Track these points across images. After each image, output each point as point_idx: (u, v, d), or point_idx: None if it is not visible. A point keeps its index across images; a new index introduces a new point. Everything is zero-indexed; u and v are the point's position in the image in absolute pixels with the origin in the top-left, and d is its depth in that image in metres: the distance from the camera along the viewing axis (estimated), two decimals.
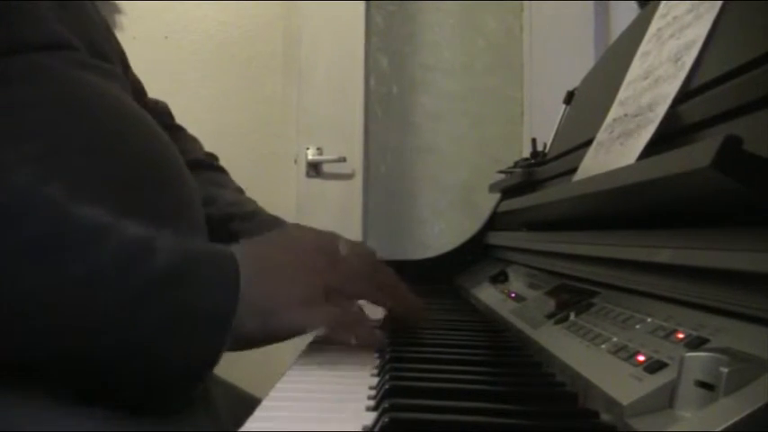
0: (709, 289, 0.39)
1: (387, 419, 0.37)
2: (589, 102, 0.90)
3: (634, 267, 0.51)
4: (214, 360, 0.48)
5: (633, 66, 0.65)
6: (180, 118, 0.96)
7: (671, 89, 0.53)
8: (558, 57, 1.85)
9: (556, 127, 1.06)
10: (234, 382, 0.79)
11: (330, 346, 0.59)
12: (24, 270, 0.44)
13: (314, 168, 1.90)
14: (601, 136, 0.65)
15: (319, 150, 1.89)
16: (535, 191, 0.92)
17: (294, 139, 1.92)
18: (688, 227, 0.43)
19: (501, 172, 1.17)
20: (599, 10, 1.88)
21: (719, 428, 0.27)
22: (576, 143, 0.81)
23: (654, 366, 0.37)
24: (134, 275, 0.46)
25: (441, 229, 2.00)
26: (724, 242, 0.38)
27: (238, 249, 0.53)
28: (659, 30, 0.62)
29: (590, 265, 0.61)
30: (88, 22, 0.69)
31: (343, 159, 1.87)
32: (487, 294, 0.88)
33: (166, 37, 1.98)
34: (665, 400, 0.34)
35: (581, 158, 0.68)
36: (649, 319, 0.44)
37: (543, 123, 1.33)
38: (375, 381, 0.48)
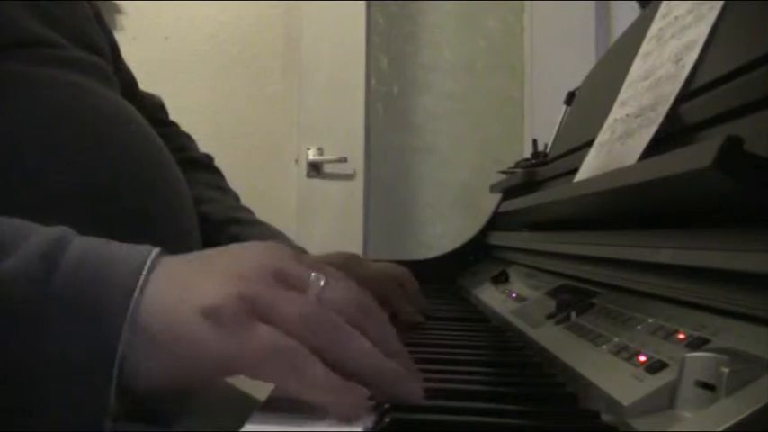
0: (710, 289, 0.39)
1: (387, 420, 0.37)
2: (590, 102, 0.90)
3: (635, 267, 0.51)
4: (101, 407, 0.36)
5: (634, 66, 0.65)
6: (180, 118, 0.96)
7: (672, 89, 0.53)
8: (559, 57, 1.85)
9: (557, 127, 1.06)
10: (233, 382, 0.79)
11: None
12: None
13: (315, 168, 1.90)
14: (602, 136, 0.65)
15: (320, 151, 1.89)
16: (536, 191, 0.92)
17: (295, 139, 1.93)
18: (689, 227, 0.43)
19: (502, 172, 1.17)
20: (600, 10, 1.88)
21: (720, 429, 0.27)
22: (577, 144, 0.81)
23: (655, 366, 0.37)
24: None
25: (441, 229, 2.00)
26: (725, 242, 0.38)
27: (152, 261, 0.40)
28: (660, 30, 0.62)
29: (591, 265, 0.61)
30: (72, 12, 0.65)
31: (344, 160, 1.88)
32: (488, 295, 0.88)
33: (166, 37, 1.98)
34: (666, 400, 0.34)
35: (582, 159, 0.68)
36: (650, 320, 0.44)
37: (544, 124, 1.33)
38: None
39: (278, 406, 0.43)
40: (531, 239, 0.90)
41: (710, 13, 0.53)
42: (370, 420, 0.38)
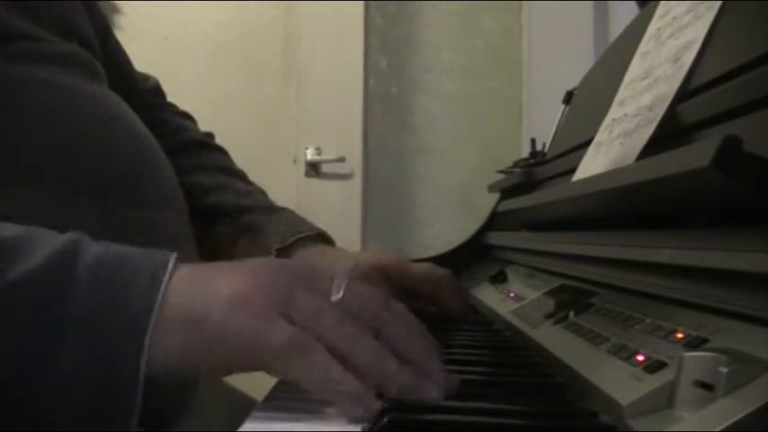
0: (708, 289, 0.39)
1: (387, 419, 0.37)
2: (588, 102, 0.90)
3: (633, 267, 0.51)
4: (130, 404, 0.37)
5: (632, 66, 0.65)
6: None
7: (670, 89, 0.53)
8: (558, 57, 1.86)
9: (555, 127, 1.06)
10: (232, 382, 0.79)
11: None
12: None
13: (313, 168, 1.90)
14: (600, 136, 0.65)
15: (318, 150, 1.89)
16: (534, 191, 0.92)
17: (293, 138, 1.92)
18: (687, 227, 0.43)
19: (500, 172, 1.16)
20: (598, 10, 1.88)
21: (719, 428, 0.27)
22: (575, 143, 0.81)
23: (653, 366, 0.37)
24: None
25: (440, 229, 2.00)
26: (723, 242, 0.38)
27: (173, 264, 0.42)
28: (658, 30, 0.62)
29: (589, 264, 0.61)
30: (53, 1, 0.61)
31: (343, 159, 1.87)
32: (487, 294, 0.88)
33: (166, 37, 1.97)
34: (665, 400, 0.34)
35: (580, 158, 0.68)
36: (649, 319, 0.44)
37: (542, 123, 1.33)
38: None
39: (277, 406, 0.43)
40: (529, 239, 0.90)
41: (709, 12, 0.53)
42: (368, 420, 0.38)
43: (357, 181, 1.90)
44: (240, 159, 0.93)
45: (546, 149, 1.06)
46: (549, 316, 0.59)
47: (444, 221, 2.00)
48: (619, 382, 0.38)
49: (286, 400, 0.44)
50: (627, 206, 0.55)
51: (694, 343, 0.37)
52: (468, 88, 2.03)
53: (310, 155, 1.89)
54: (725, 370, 0.30)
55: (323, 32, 1.91)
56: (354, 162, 1.90)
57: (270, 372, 0.42)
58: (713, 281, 0.39)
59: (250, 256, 0.70)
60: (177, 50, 1.98)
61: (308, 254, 0.75)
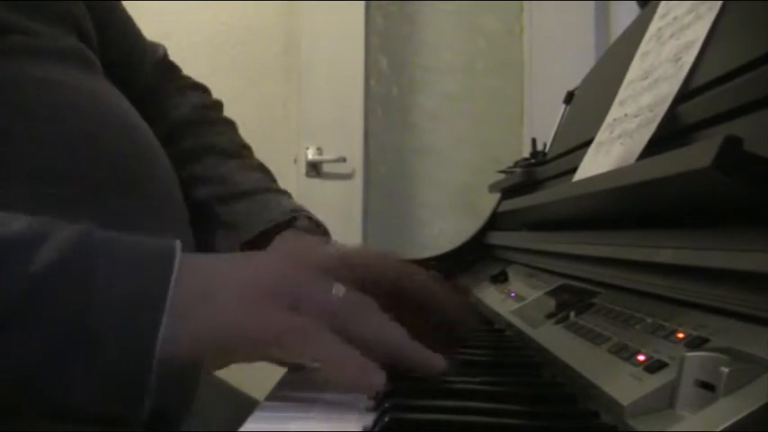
0: (709, 289, 0.39)
1: (387, 419, 0.37)
2: (589, 102, 0.90)
3: (634, 267, 0.51)
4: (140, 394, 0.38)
5: (633, 66, 0.65)
6: None
7: (671, 89, 0.53)
8: (558, 57, 1.86)
9: (556, 127, 1.06)
10: (232, 382, 0.79)
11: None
12: None
13: (314, 168, 1.90)
14: (601, 136, 0.65)
15: (319, 150, 1.89)
16: (535, 191, 0.92)
17: (294, 138, 1.93)
18: (688, 227, 0.43)
19: (501, 172, 1.16)
20: (599, 10, 1.88)
21: (720, 428, 0.27)
22: (576, 143, 0.81)
23: (654, 366, 0.37)
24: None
25: (441, 229, 2.00)
26: (724, 242, 0.38)
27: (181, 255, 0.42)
28: (659, 30, 0.62)
29: (590, 264, 0.61)
30: None
31: (343, 159, 1.88)
32: (488, 294, 0.88)
33: (166, 37, 1.97)
34: (666, 400, 0.34)
35: (581, 158, 0.68)
36: (649, 319, 0.44)
37: (543, 123, 1.33)
38: None
39: (278, 406, 0.43)
40: (530, 239, 0.90)
41: (709, 12, 0.53)
42: (369, 420, 0.38)
43: (358, 181, 1.90)
44: None
45: (547, 149, 1.06)
46: (549, 316, 0.59)
47: (445, 221, 2.00)
48: (620, 381, 0.38)
49: (287, 400, 0.44)
50: (628, 206, 0.55)
51: (695, 343, 0.36)
52: (469, 88, 2.03)
53: (311, 155, 1.89)
54: (726, 370, 0.30)
55: (324, 32, 1.91)
56: (355, 162, 1.90)
57: (276, 353, 0.43)
58: (714, 281, 0.39)
59: (232, 250, 0.68)
60: (177, 50, 1.97)
61: (278, 245, 0.69)
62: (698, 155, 0.35)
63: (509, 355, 0.58)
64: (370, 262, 0.52)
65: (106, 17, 0.72)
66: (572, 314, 0.55)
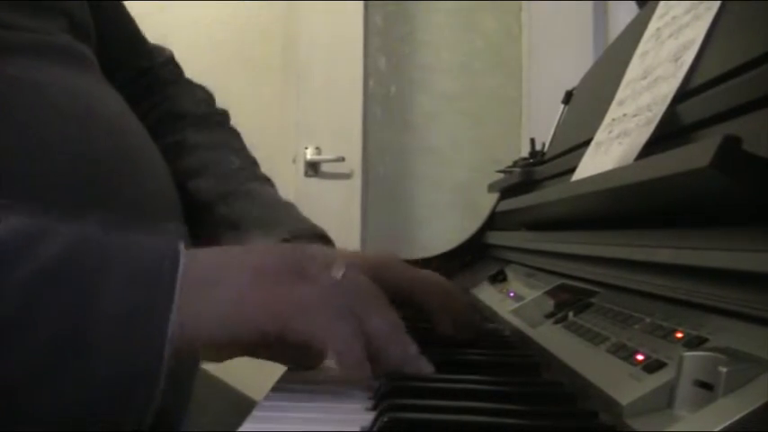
0: (708, 288, 0.39)
1: (386, 419, 0.37)
2: (588, 102, 0.90)
3: (633, 267, 0.51)
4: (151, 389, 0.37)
5: (632, 65, 0.65)
6: None
7: (670, 89, 0.53)
8: (557, 57, 1.86)
9: (554, 127, 1.06)
10: (232, 382, 0.79)
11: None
12: None
13: (312, 168, 1.90)
14: (599, 136, 0.65)
15: (318, 150, 1.89)
16: (534, 190, 0.92)
17: (293, 138, 1.92)
18: (687, 227, 0.43)
19: (500, 171, 1.16)
20: (598, 10, 1.88)
21: (718, 428, 0.27)
22: (574, 143, 0.81)
23: (653, 366, 0.37)
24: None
25: (439, 228, 2.00)
26: (723, 242, 0.38)
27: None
28: (658, 29, 0.62)
29: (589, 264, 0.61)
30: None
31: (342, 159, 1.87)
32: (486, 294, 0.88)
33: (166, 37, 1.97)
34: (664, 399, 0.34)
35: (580, 158, 0.68)
36: (648, 319, 0.44)
37: (542, 123, 1.33)
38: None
39: (277, 406, 0.43)
40: (529, 239, 0.90)
41: (708, 12, 0.53)
42: (368, 420, 0.38)
43: (357, 181, 1.90)
44: None
45: (545, 149, 1.06)
46: (548, 315, 0.59)
47: (444, 221, 2.00)
48: (618, 381, 0.38)
49: (285, 400, 0.44)
50: (626, 206, 0.55)
51: (694, 342, 0.36)
52: (468, 88, 2.03)
53: (310, 154, 1.89)
54: (724, 370, 0.30)
55: (323, 32, 1.90)
56: (354, 162, 1.90)
57: (282, 339, 0.42)
58: (713, 280, 0.39)
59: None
60: (177, 50, 1.97)
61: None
62: (697, 154, 0.35)
63: (508, 355, 0.58)
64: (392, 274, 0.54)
65: (107, 12, 0.71)
66: (571, 314, 0.55)
